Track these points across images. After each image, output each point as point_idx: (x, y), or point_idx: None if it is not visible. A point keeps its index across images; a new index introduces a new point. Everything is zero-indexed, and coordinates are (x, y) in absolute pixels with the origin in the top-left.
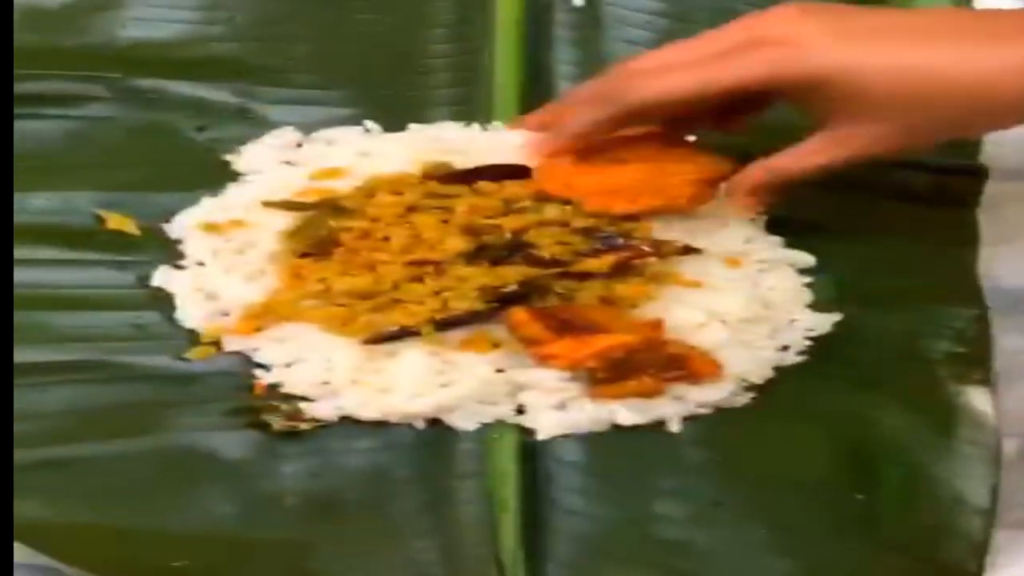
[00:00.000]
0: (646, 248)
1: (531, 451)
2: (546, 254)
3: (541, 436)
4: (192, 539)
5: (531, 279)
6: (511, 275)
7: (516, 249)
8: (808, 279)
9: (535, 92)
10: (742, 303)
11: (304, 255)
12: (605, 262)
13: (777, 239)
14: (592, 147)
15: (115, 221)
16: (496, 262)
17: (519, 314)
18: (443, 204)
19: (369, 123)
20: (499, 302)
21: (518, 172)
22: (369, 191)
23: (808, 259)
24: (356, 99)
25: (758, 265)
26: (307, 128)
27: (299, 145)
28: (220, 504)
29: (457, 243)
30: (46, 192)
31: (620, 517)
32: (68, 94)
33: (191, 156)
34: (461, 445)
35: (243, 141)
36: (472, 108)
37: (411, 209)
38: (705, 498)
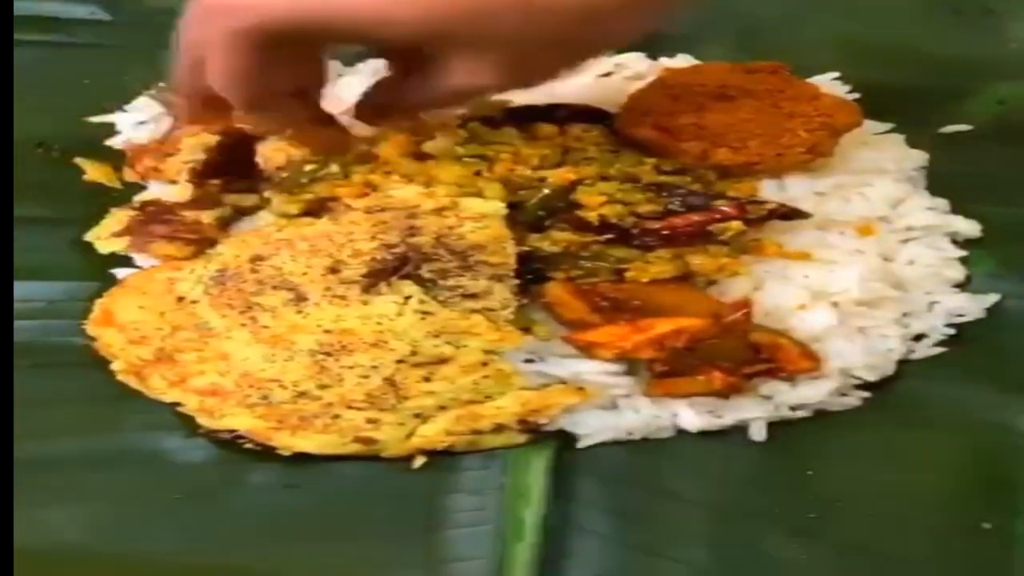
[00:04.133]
0: (727, 209)
1: (567, 463)
2: (593, 216)
3: (582, 444)
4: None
5: (570, 247)
6: (545, 242)
7: (553, 211)
8: (963, 252)
9: None
10: (862, 281)
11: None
12: (671, 224)
13: (942, 202)
14: (695, 83)
15: (95, 171)
16: (533, 226)
17: (557, 290)
18: (482, 152)
19: None
20: (528, 275)
21: (594, 115)
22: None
23: (973, 228)
24: None
25: (902, 234)
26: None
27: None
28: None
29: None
30: None
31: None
32: (50, 16)
33: None
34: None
35: None
36: None
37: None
38: (794, 526)
